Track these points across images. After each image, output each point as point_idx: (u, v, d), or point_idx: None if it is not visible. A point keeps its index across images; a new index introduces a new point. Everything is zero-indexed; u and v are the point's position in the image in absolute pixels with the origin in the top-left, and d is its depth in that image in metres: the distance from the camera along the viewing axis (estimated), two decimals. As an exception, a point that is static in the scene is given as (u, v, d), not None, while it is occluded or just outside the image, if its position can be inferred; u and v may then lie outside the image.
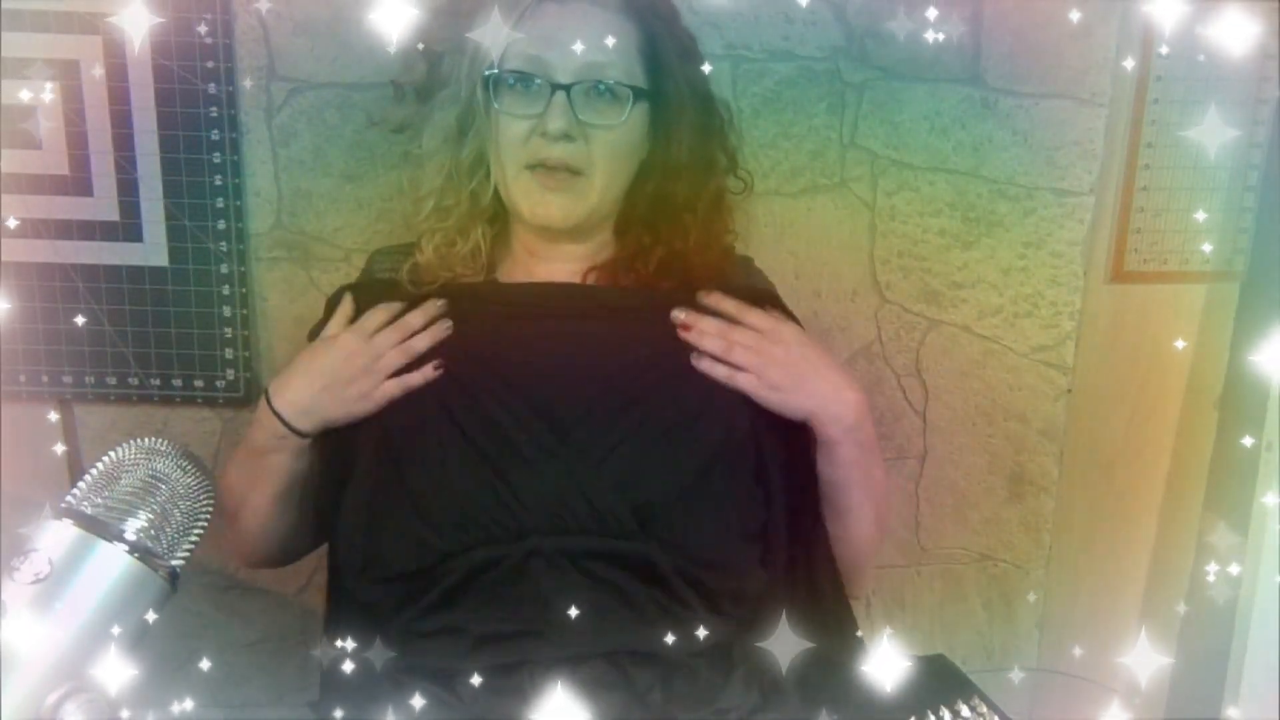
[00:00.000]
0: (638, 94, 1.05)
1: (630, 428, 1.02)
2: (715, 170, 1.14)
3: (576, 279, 1.13)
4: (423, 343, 1.07)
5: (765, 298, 1.16)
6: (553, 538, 0.99)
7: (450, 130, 1.09)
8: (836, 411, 1.08)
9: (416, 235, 1.13)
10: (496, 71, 1.03)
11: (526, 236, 1.13)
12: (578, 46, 1.01)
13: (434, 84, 1.13)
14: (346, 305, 1.13)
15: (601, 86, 1.03)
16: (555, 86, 1.02)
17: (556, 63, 1.02)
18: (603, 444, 1.01)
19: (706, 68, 1.10)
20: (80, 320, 1.29)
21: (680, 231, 1.11)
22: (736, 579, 1.06)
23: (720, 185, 1.15)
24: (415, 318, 1.09)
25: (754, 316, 1.10)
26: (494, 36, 1.00)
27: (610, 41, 1.02)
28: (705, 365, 1.07)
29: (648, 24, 1.07)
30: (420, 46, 1.14)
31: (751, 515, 1.08)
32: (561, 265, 1.13)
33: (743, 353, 1.07)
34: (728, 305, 1.10)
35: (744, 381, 1.06)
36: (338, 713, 1.00)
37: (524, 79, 1.03)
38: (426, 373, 1.05)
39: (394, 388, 1.05)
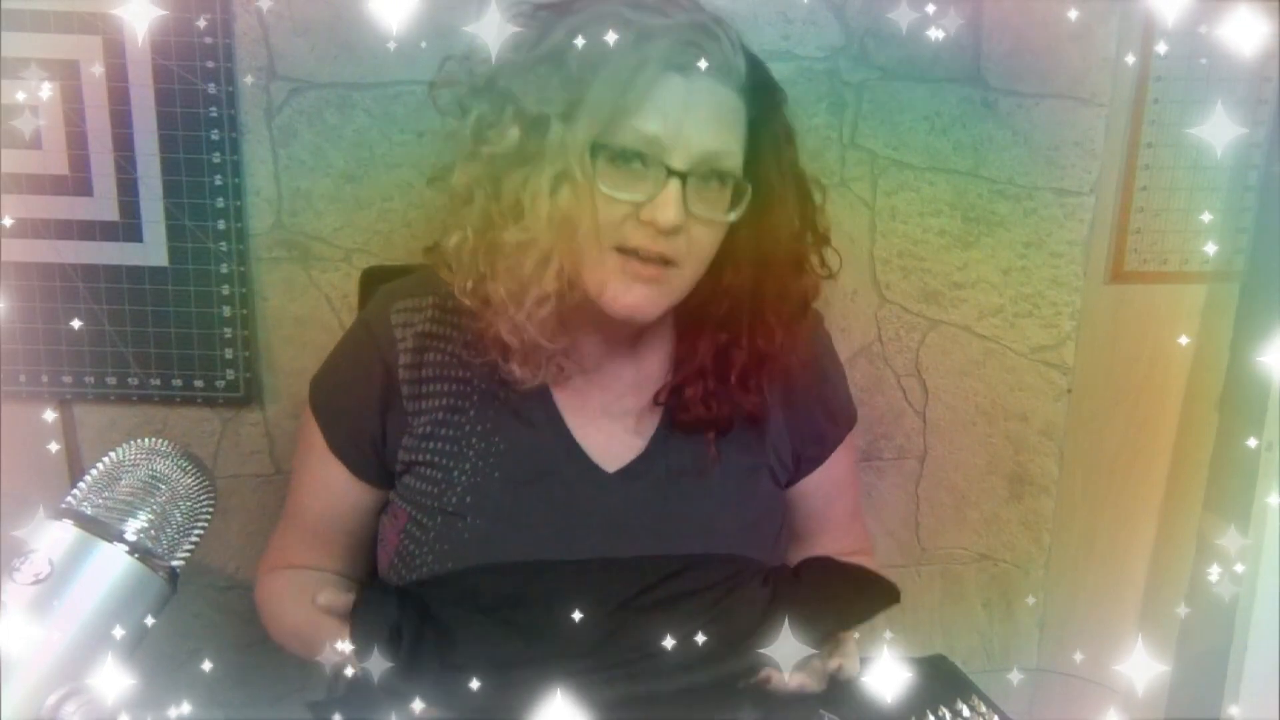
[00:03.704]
0: (747, 190, 0.97)
1: None
2: (803, 269, 1.06)
3: (644, 395, 1.07)
4: None
5: (818, 340, 1.15)
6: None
7: (558, 206, 0.94)
8: None
9: (498, 310, 0.99)
10: (609, 145, 0.92)
11: (585, 327, 1.03)
12: (700, 129, 0.92)
13: (531, 149, 0.96)
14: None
15: (718, 179, 0.95)
16: (674, 173, 0.92)
17: (674, 146, 0.92)
18: None
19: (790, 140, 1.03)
20: (80, 320, 1.29)
21: (767, 328, 1.04)
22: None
23: (809, 287, 1.07)
24: None
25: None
26: (614, 99, 0.91)
27: (734, 129, 0.95)
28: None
29: (763, 110, 0.99)
30: (512, 106, 0.96)
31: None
32: (612, 345, 1.06)
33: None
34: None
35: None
36: (337, 714, 1.01)
37: (639, 158, 0.92)
38: None
39: None
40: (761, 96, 0.99)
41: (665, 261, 0.95)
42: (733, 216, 0.97)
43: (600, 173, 0.93)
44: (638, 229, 0.94)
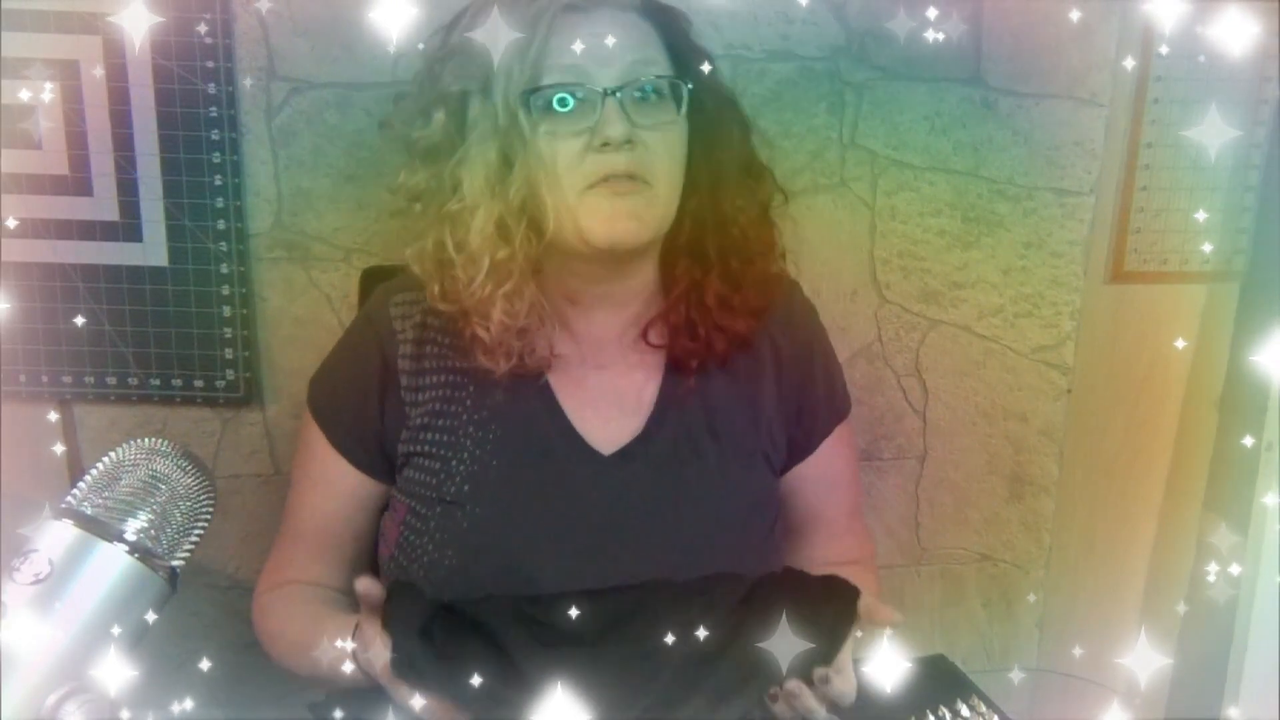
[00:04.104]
0: (684, 88, 0.99)
1: None
2: (757, 176, 1.09)
3: (632, 330, 1.08)
4: None
5: (808, 321, 1.16)
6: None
7: (491, 173, 0.98)
8: None
9: (468, 306, 1.01)
10: (538, 88, 0.95)
11: (569, 282, 1.06)
12: (616, 50, 0.96)
13: (456, 132, 1.00)
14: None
15: (648, 88, 0.98)
16: (605, 93, 0.95)
17: (597, 70, 0.96)
18: None
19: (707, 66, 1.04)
20: (80, 320, 1.29)
21: (732, 246, 1.05)
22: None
23: (766, 193, 1.09)
24: None
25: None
26: (522, 52, 0.95)
27: (648, 43, 0.99)
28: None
29: (670, 28, 1.03)
30: (433, 95, 1.01)
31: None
32: (605, 319, 1.08)
33: None
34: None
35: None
36: (338, 713, 1.01)
37: (567, 92, 0.96)
38: None
39: None
40: (665, 17, 1.02)
41: (638, 179, 0.97)
42: (679, 114, 0.99)
43: (539, 122, 0.96)
44: (597, 158, 0.96)
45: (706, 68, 1.04)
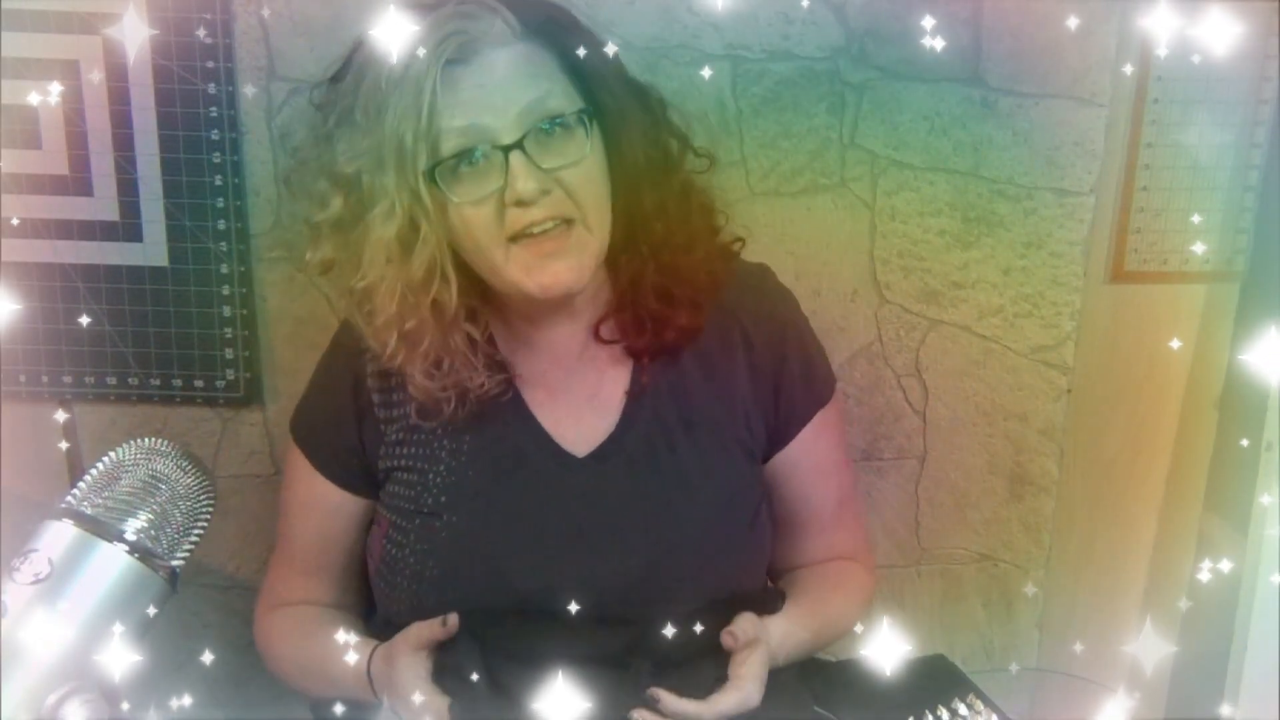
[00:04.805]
0: (588, 115, 0.96)
1: None
2: (671, 163, 1.05)
3: (587, 338, 1.08)
4: None
5: (780, 304, 1.16)
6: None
7: (393, 248, 0.95)
8: None
9: (397, 368, 1.03)
10: (439, 161, 0.92)
11: (520, 307, 1.05)
12: (509, 95, 0.92)
13: (356, 209, 0.98)
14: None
15: (553, 124, 0.94)
16: (507, 149, 0.92)
17: (494, 122, 0.92)
18: None
19: (611, 49, 1.00)
20: (80, 320, 1.29)
21: (660, 239, 1.03)
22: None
23: (683, 178, 1.06)
24: None
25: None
26: (413, 123, 0.91)
27: (539, 74, 0.94)
28: None
29: (557, 40, 0.97)
30: (328, 176, 0.99)
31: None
32: (564, 326, 1.07)
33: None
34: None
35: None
36: (338, 711, 1.01)
37: (469, 156, 0.93)
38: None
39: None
40: (549, 29, 0.97)
41: (564, 221, 0.95)
42: (588, 149, 0.95)
43: (446, 189, 0.93)
44: (515, 213, 0.93)
45: (606, 63, 0.99)
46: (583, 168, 0.95)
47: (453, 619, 1.00)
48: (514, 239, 0.95)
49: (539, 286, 0.96)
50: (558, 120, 0.94)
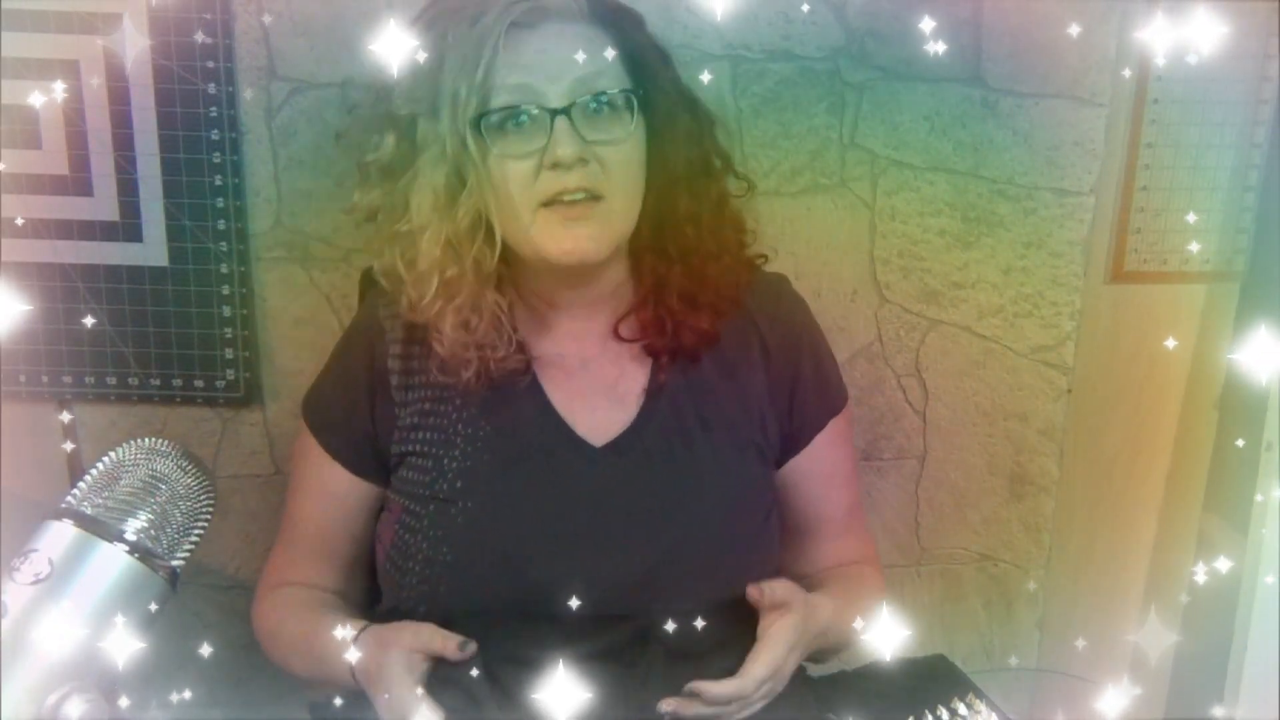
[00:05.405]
0: (637, 98, 0.99)
1: None
2: (712, 173, 1.09)
3: (607, 331, 1.09)
4: None
5: (797, 313, 1.17)
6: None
7: (440, 195, 0.99)
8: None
9: (424, 320, 1.04)
10: (487, 112, 0.95)
11: (543, 287, 1.08)
12: (565, 64, 0.95)
13: (407, 153, 1.01)
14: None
15: (600, 100, 0.97)
16: (554, 112, 0.95)
17: (546, 87, 0.95)
18: None
19: (668, 56, 1.05)
20: (81, 320, 1.29)
21: (690, 244, 1.06)
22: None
23: (722, 189, 1.10)
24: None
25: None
26: (470, 74, 0.94)
27: (598, 53, 0.97)
28: None
29: (621, 31, 1.01)
30: (384, 117, 1.02)
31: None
32: (584, 316, 1.09)
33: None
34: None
35: None
36: (337, 706, 1.01)
37: (516, 114, 0.96)
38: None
39: None
40: (616, 20, 1.01)
41: (592, 196, 0.97)
42: (630, 130, 0.98)
43: (490, 144, 0.96)
44: (550, 176, 0.96)
45: (663, 66, 1.04)
46: (622, 149, 0.98)
47: (472, 647, 0.98)
48: (545, 204, 0.97)
49: (560, 250, 0.98)
50: (605, 98, 0.97)
